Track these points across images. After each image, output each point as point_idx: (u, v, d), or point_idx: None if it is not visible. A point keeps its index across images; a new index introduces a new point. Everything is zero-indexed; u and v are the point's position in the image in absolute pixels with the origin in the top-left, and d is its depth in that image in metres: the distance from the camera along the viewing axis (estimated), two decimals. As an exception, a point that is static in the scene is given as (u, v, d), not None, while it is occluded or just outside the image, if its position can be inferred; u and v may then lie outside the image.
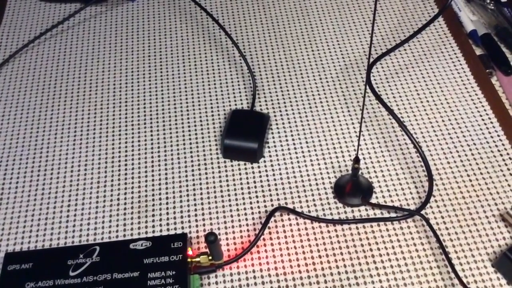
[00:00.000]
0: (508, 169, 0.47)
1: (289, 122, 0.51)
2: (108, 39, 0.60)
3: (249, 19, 0.61)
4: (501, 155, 0.48)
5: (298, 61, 0.56)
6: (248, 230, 0.45)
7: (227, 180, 0.48)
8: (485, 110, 0.51)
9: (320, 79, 0.55)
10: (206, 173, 0.48)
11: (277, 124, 0.51)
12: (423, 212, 0.44)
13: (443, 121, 0.51)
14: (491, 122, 0.50)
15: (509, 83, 0.54)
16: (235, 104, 0.53)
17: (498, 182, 0.46)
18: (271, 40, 0.58)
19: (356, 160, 0.43)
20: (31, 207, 0.47)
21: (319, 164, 0.48)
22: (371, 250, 0.43)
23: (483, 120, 0.50)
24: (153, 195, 0.47)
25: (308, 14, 0.61)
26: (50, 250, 0.43)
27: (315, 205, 0.46)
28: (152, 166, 0.49)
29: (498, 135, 0.49)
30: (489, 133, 0.49)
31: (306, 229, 0.44)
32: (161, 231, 0.45)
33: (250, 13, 0.61)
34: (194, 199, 0.47)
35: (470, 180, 0.46)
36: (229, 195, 0.47)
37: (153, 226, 0.45)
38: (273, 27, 0.60)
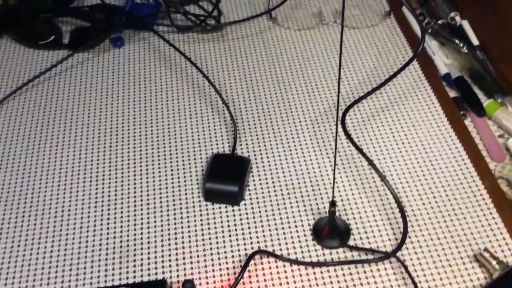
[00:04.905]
0: (482, 210, 0.48)
1: (270, 166, 0.53)
2: (94, 85, 0.61)
3: (232, 68, 0.63)
4: (474, 195, 0.49)
5: (273, 108, 0.58)
6: (228, 274, 0.45)
7: (208, 223, 0.49)
8: (458, 151, 0.53)
9: (295, 125, 0.56)
10: (188, 217, 0.49)
11: (257, 167, 0.53)
12: (399, 253, 0.45)
13: (418, 162, 0.52)
14: (465, 163, 0.52)
15: (482, 125, 0.55)
16: (217, 148, 0.54)
17: (472, 223, 0.47)
18: (251, 87, 0.60)
19: (332, 204, 0.45)
20: (15, 253, 0.47)
21: (298, 207, 0.49)
22: (349, 292, 0.44)
23: (456, 161, 0.52)
24: (134, 239, 0.48)
25: (279, 64, 0.63)
26: (32, 297, 0.43)
27: (294, 247, 0.47)
28: (135, 210, 0.50)
29: (472, 176, 0.51)
30: (463, 174, 0.51)
31: (285, 272, 0.45)
32: (142, 275, 0.45)
33: (232, 62, 0.63)
34: (176, 243, 0.47)
35: (445, 221, 0.48)
36: (210, 238, 0.48)
37: (134, 272, 0.46)
38: (249, 74, 0.61)
